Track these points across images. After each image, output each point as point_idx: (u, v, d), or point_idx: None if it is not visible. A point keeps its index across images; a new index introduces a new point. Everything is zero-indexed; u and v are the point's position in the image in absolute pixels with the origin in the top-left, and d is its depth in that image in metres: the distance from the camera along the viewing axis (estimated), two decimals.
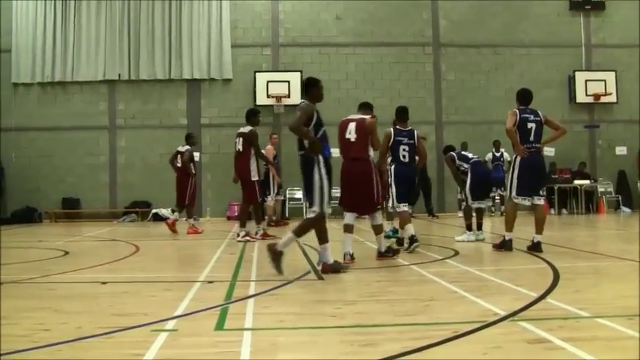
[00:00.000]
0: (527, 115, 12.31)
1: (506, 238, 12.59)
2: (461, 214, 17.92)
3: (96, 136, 28.27)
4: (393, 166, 13.10)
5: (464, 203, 15.49)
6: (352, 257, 11.27)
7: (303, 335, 6.07)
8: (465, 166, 15.03)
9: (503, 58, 28.98)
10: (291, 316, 6.92)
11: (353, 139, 11.28)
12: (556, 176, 27.23)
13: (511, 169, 12.51)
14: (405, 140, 12.88)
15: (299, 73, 27.45)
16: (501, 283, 8.71)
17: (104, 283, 9.39)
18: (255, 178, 16.33)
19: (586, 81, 28.84)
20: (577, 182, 27.44)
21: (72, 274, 10.49)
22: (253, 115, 16.73)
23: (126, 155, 28.27)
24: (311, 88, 10.29)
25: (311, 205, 10.02)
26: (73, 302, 7.90)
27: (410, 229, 12.78)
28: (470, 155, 15.40)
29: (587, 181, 27.83)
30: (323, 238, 10.07)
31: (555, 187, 27.06)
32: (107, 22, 28.13)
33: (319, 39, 28.56)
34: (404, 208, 12.90)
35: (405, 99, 25.79)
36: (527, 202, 12.48)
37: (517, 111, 12.38)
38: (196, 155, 27.75)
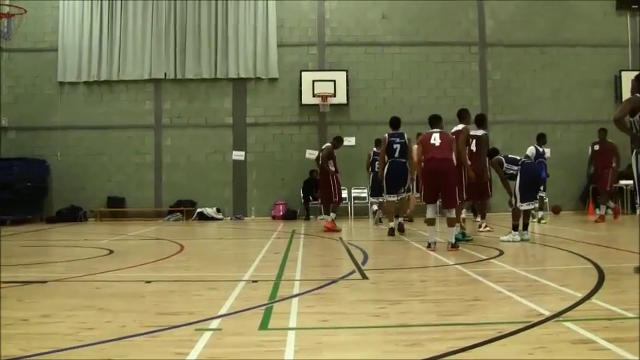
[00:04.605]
0: None
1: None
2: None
3: (142, 135, 28.39)
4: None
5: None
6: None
7: (348, 335, 6.09)
8: (515, 168, 14.87)
9: (549, 58, 28.53)
10: (335, 316, 6.91)
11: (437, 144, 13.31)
12: None
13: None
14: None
15: (344, 72, 27.56)
16: (546, 283, 8.66)
17: (149, 282, 9.46)
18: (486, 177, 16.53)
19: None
20: (623, 182, 26.99)
21: (117, 273, 10.57)
22: (485, 118, 16.80)
23: (171, 154, 28.30)
24: None
25: None
26: (117, 301, 7.96)
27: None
28: (518, 157, 15.27)
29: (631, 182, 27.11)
30: None
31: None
32: (153, 21, 28.24)
33: (365, 38, 28.42)
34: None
35: (450, 98, 25.79)
36: None
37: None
38: (241, 154, 27.99)
